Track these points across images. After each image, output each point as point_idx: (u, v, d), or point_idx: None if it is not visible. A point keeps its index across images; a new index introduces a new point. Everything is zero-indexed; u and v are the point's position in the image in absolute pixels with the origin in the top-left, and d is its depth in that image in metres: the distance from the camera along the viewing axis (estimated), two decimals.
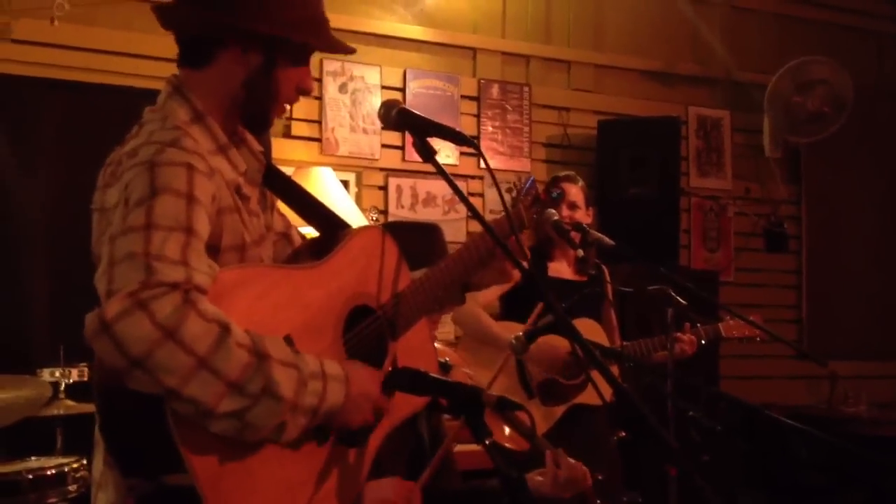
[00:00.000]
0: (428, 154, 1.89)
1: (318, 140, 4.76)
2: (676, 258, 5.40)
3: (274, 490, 1.56)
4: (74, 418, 3.40)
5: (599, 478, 2.92)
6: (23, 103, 4.07)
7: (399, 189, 4.91)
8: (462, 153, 5.08)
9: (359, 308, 1.77)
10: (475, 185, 5.08)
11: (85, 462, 3.27)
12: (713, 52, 5.84)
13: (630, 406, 1.76)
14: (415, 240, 2.58)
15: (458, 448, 3.23)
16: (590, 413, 3.68)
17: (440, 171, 1.91)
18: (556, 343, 3.57)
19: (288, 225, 1.96)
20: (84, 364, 3.45)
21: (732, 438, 3.47)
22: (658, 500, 3.64)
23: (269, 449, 1.56)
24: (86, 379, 3.46)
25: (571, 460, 2.39)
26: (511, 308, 3.82)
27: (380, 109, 1.90)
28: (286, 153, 4.65)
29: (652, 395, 3.91)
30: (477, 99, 5.16)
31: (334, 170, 4.51)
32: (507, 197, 2.25)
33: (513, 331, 3.41)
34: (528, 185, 2.25)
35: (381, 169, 4.88)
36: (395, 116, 1.87)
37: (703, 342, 3.85)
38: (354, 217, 4.34)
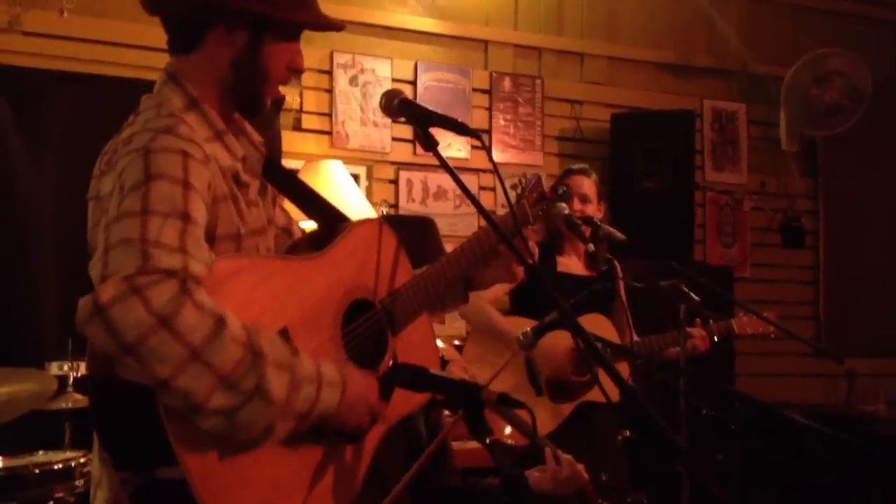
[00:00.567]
0: (430, 144, 1.86)
1: (329, 133, 4.73)
2: (691, 253, 5.34)
3: (267, 487, 1.54)
4: (83, 412, 3.38)
5: (603, 478, 2.88)
6: (32, 95, 4.06)
7: (410, 183, 4.87)
8: (473, 146, 5.03)
9: (358, 302, 1.74)
10: (487, 180, 5.04)
11: (91, 457, 3.26)
12: (728, 43, 5.77)
13: (636, 404, 1.72)
14: (408, 234, 2.55)
15: (457, 445, 3.20)
16: (599, 411, 3.64)
17: (442, 163, 1.89)
18: (565, 339, 3.52)
19: (290, 220, 1.93)
20: None
21: (746, 437, 3.41)
22: (664, 500, 3.59)
23: (263, 446, 1.53)
24: None
25: (568, 456, 2.36)
26: (519, 303, 3.78)
27: (381, 99, 1.88)
28: (296, 146, 4.63)
29: (664, 393, 3.86)
30: (489, 92, 5.11)
31: (345, 163, 4.48)
32: (511, 193, 2.22)
33: (520, 326, 3.36)
34: (533, 181, 2.22)
35: (392, 162, 4.84)
36: (397, 106, 1.85)
37: (715, 339, 3.80)
38: (364, 211, 4.30)
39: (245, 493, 1.50)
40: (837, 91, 5.59)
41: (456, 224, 4.86)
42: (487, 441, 1.59)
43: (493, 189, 5.03)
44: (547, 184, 2.17)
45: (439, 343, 2.93)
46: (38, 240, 4.01)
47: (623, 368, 3.66)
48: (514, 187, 2.20)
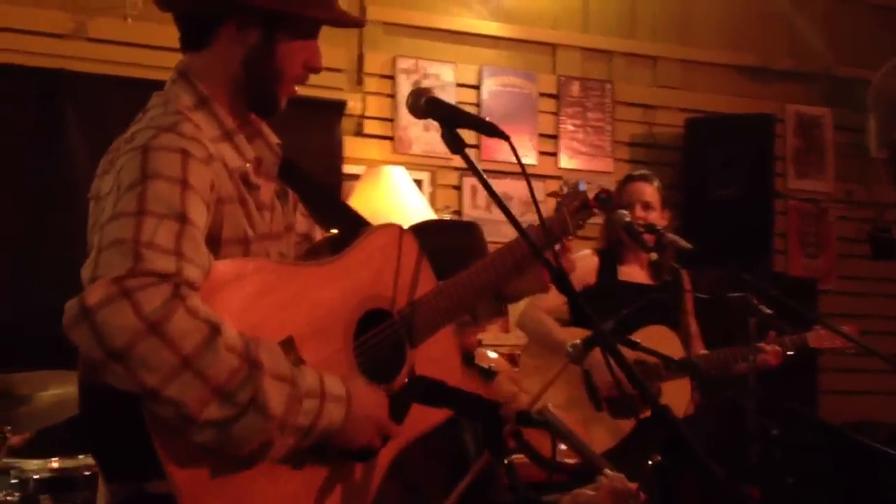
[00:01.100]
0: (458, 146, 1.77)
1: (391, 138, 4.67)
2: (770, 264, 5.12)
3: None
4: None
5: None
6: (97, 101, 4.10)
7: (474, 189, 4.77)
8: (541, 152, 4.92)
9: (374, 311, 1.64)
10: (554, 186, 4.89)
11: None
12: (812, 45, 5.51)
13: (668, 424, 1.59)
14: (451, 239, 2.45)
15: (518, 459, 3.08)
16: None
17: (471, 167, 1.80)
18: (627, 351, 3.36)
19: (312, 226, 1.84)
20: None
21: (817, 459, 3.22)
22: None
23: (261, 464, 1.44)
24: None
25: (619, 475, 2.23)
26: (580, 313, 3.63)
27: (408, 98, 1.80)
28: (358, 151, 4.58)
29: (732, 411, 3.68)
30: (556, 97, 4.98)
31: (407, 169, 4.42)
32: (551, 201, 2.10)
33: (579, 337, 3.24)
34: (576, 188, 2.09)
35: (456, 168, 4.75)
36: (424, 105, 1.76)
37: (789, 353, 3.59)
38: (427, 217, 4.22)
39: None
40: None
41: None
42: (505, 462, 1.48)
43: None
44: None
45: (491, 354, 2.83)
46: None
47: (685, 384, 3.49)
48: (553, 194, 2.07)
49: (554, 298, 3.65)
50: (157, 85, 4.69)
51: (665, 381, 3.50)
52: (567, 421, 2.56)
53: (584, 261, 3.67)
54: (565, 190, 2.10)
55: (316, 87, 4.57)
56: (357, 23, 1.74)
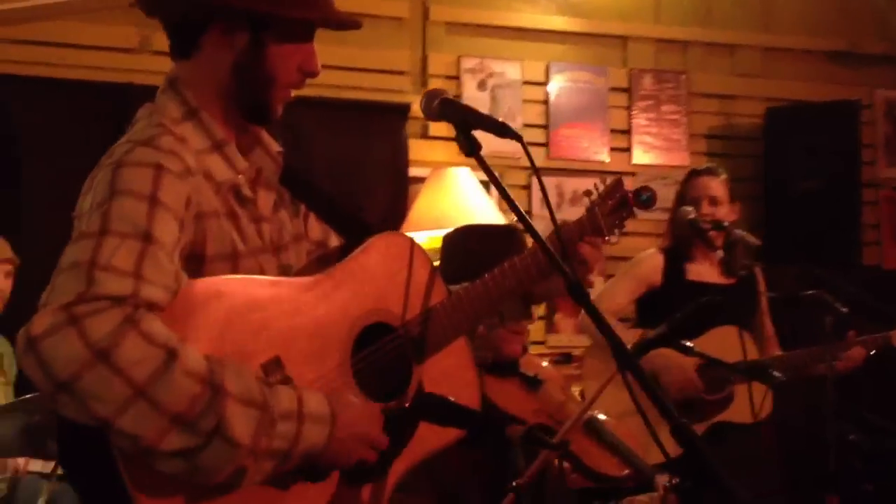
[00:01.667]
0: (472, 148, 1.72)
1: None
2: (858, 257, 4.86)
3: None
4: None
5: None
6: None
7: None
8: (612, 148, 4.79)
9: (376, 325, 1.57)
10: (628, 183, 4.75)
11: None
12: None
13: (685, 442, 1.49)
14: (491, 244, 2.38)
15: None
16: (734, 432, 3.32)
17: (484, 168, 1.76)
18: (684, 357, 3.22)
19: (328, 233, 1.76)
20: None
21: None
22: None
23: (242, 490, 1.37)
24: None
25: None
26: (647, 314, 3.51)
27: (421, 100, 1.76)
28: (424, 154, 4.54)
29: (809, 415, 3.50)
30: (627, 90, 4.84)
31: (473, 170, 4.35)
32: (584, 200, 2.01)
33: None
34: (610, 186, 1.99)
35: (524, 168, 4.66)
36: (437, 107, 1.71)
37: (871, 353, 3.39)
38: (493, 219, 4.16)
39: None
40: None
41: None
42: (514, 484, 1.41)
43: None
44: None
45: (539, 361, 2.74)
46: None
47: (761, 387, 3.32)
48: (587, 193, 1.98)
49: (620, 298, 3.55)
50: None
51: (737, 384, 3.35)
52: (617, 431, 2.47)
53: (649, 260, 3.55)
54: (600, 188, 2.01)
55: (380, 91, 4.56)
56: (352, 24, 1.65)
